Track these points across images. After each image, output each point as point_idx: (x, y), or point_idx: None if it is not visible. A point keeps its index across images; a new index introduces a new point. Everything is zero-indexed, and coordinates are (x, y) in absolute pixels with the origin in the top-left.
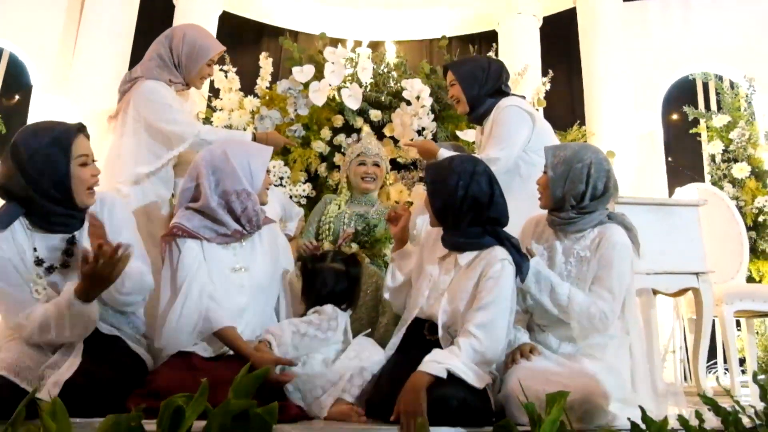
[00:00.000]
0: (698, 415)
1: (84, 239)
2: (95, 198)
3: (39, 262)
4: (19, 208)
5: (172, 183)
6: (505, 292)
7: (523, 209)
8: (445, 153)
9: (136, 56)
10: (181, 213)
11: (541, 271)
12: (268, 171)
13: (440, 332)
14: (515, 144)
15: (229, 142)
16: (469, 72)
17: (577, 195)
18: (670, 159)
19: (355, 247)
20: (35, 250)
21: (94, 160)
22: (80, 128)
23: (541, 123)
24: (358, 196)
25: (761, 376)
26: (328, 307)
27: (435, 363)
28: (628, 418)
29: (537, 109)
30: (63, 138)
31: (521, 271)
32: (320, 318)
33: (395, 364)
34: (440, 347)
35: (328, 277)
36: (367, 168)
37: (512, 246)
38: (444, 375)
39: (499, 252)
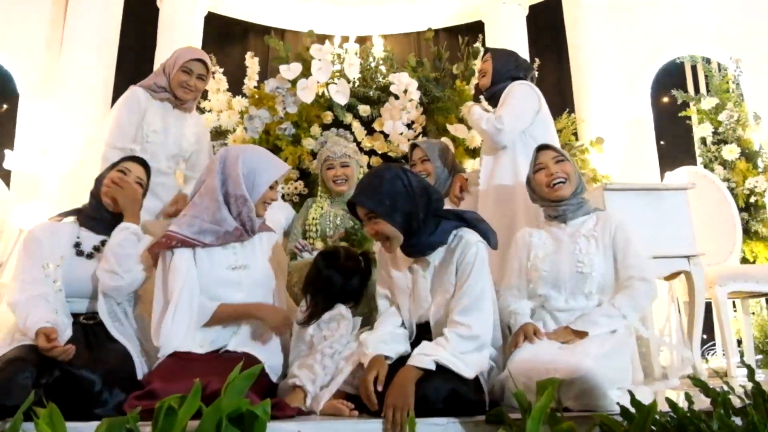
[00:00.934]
0: (688, 397)
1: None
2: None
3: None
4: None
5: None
6: (483, 272)
7: (511, 192)
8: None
9: (122, 61)
10: (182, 219)
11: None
12: (272, 188)
13: (435, 334)
14: (521, 118)
15: (246, 148)
16: (504, 54)
17: (580, 184)
18: (662, 142)
19: (344, 245)
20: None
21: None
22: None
23: (545, 109)
24: (337, 196)
25: (758, 356)
26: (342, 309)
27: (423, 356)
28: (618, 403)
29: None
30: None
31: (490, 240)
32: (331, 326)
33: (393, 366)
34: None
35: (342, 276)
36: (335, 171)
37: (470, 220)
38: (432, 367)
39: (468, 235)
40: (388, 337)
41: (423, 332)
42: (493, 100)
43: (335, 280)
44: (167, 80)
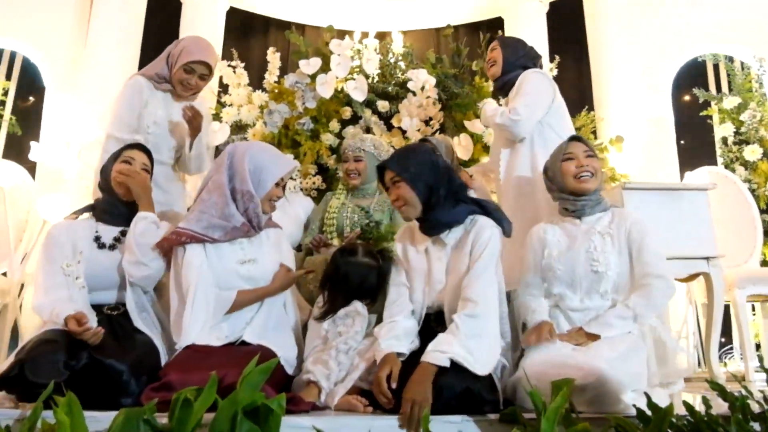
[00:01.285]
0: (705, 401)
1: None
2: None
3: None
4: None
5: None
6: (494, 257)
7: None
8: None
9: (146, 54)
10: (190, 215)
11: (610, 319)
12: (278, 185)
13: (448, 319)
14: (537, 108)
15: (253, 144)
16: (513, 44)
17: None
18: (682, 141)
19: (361, 242)
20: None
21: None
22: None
23: (559, 97)
24: (355, 190)
25: None
26: (357, 305)
27: (438, 353)
28: (633, 405)
29: None
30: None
31: (504, 227)
32: (346, 323)
33: (405, 361)
34: None
35: (360, 272)
36: (348, 164)
37: (487, 207)
38: (447, 364)
39: (483, 220)
40: (401, 333)
41: (435, 321)
42: (504, 90)
43: (353, 277)
44: (169, 72)
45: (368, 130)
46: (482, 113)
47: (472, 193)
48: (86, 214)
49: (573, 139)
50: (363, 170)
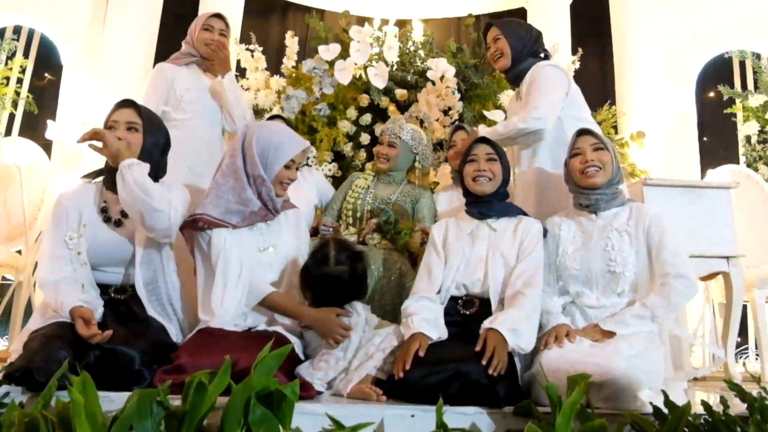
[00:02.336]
0: (723, 401)
1: None
2: None
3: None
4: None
5: None
6: (542, 250)
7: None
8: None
9: (163, 35)
10: (205, 199)
11: (627, 318)
12: (288, 167)
13: (494, 299)
14: (557, 104)
15: (263, 126)
16: (515, 29)
17: (617, 174)
18: (705, 138)
19: (377, 237)
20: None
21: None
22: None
23: (575, 88)
24: (383, 176)
25: None
26: (358, 306)
27: (510, 331)
28: (650, 403)
29: None
30: None
31: (544, 231)
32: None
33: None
34: (477, 321)
35: (334, 283)
36: (381, 148)
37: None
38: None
39: (529, 219)
40: (432, 318)
41: (464, 307)
42: (517, 80)
43: (330, 287)
44: (192, 45)
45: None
46: (493, 134)
47: None
48: (99, 179)
49: (580, 133)
50: (393, 157)
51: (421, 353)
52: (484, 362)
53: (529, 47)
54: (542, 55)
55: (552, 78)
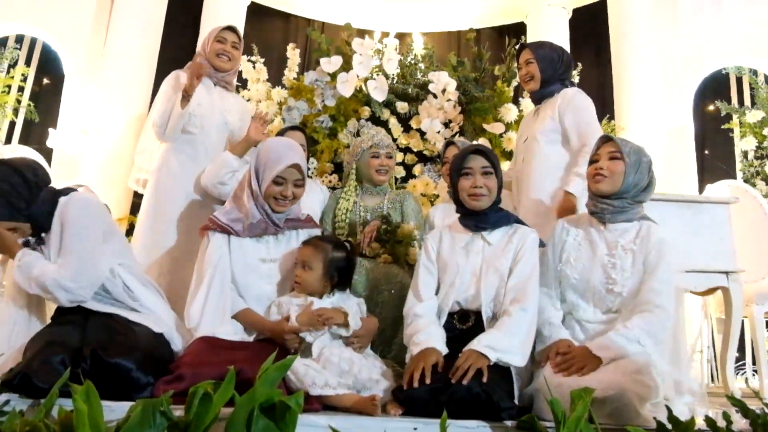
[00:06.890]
0: (726, 417)
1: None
2: None
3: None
4: None
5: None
6: (536, 260)
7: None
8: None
9: (165, 47)
10: (225, 206)
11: (615, 340)
12: (279, 183)
13: (486, 314)
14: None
15: (270, 141)
16: (548, 55)
17: (641, 186)
18: (707, 152)
19: (375, 245)
20: None
21: None
22: None
23: None
24: (369, 187)
25: None
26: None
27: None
28: (654, 418)
29: None
30: None
31: (542, 241)
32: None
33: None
34: (472, 336)
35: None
36: (381, 160)
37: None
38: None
39: (524, 228)
40: (440, 337)
41: (459, 321)
42: (542, 100)
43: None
44: (204, 57)
45: (385, 124)
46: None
47: None
48: None
49: (604, 140)
50: (392, 168)
51: (440, 363)
52: (456, 377)
53: (559, 73)
54: (567, 82)
55: (592, 109)
